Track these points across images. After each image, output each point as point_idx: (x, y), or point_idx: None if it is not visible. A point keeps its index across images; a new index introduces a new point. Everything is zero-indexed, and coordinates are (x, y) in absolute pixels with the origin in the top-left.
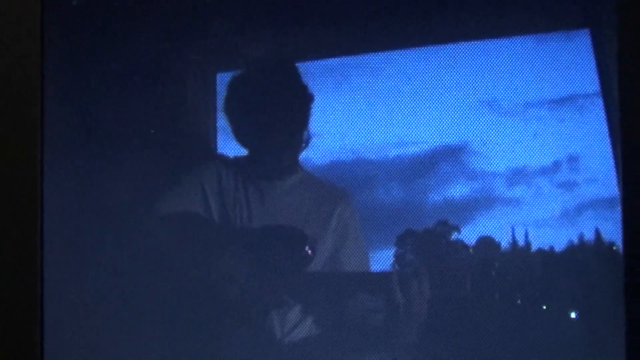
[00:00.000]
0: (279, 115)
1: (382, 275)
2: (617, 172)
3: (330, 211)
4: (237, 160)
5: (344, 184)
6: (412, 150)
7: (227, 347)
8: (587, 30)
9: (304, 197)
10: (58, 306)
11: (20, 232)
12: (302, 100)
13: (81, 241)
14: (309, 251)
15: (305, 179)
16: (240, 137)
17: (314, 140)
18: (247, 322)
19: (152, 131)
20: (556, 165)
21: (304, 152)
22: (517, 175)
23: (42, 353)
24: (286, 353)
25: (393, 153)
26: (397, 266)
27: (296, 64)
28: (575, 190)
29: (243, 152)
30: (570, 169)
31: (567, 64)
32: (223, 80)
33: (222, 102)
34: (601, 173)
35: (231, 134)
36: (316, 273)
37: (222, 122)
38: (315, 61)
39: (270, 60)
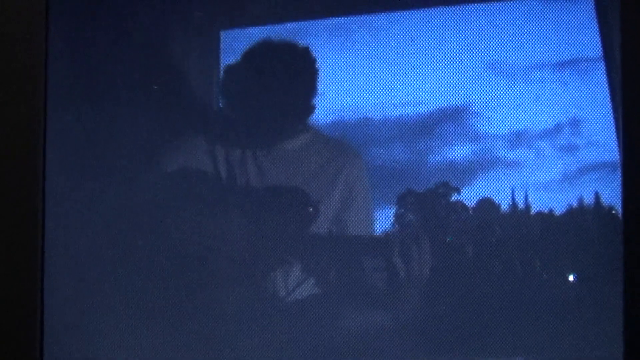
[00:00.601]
0: (288, 78)
1: (383, 240)
2: (618, 136)
3: (338, 171)
4: (241, 121)
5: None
6: (414, 110)
7: (229, 307)
8: None
9: (312, 156)
10: (58, 272)
11: (21, 190)
12: (312, 63)
13: (82, 200)
14: (311, 209)
15: (315, 139)
16: (246, 99)
17: (315, 99)
18: (249, 281)
19: (155, 87)
20: (558, 128)
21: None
22: (518, 138)
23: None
24: (288, 312)
25: (395, 113)
26: (397, 226)
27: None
28: (577, 153)
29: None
30: (571, 132)
31: (571, 26)
32: (227, 38)
33: (229, 64)
34: (603, 137)
35: (237, 96)
36: (318, 234)
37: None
38: (319, 20)
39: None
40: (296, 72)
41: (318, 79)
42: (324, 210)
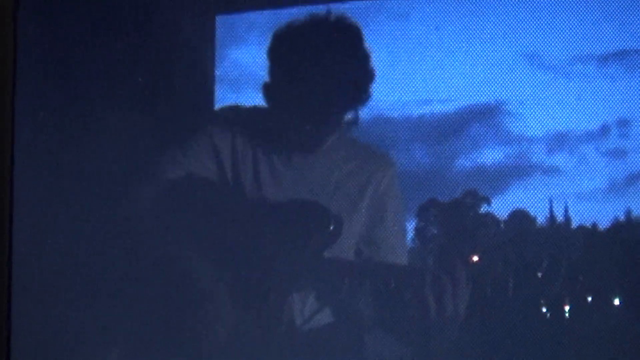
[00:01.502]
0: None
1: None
2: None
3: (366, 181)
4: (255, 118)
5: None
6: (438, 109)
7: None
8: None
9: (337, 163)
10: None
11: None
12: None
13: (62, 210)
14: (332, 228)
15: (341, 141)
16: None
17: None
18: (265, 306)
19: (140, 79)
20: (604, 130)
21: None
22: (558, 141)
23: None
24: (301, 341)
25: (417, 112)
26: (417, 241)
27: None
28: (625, 159)
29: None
30: (619, 134)
31: (618, 14)
32: (222, 23)
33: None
34: None
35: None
36: (339, 256)
37: (221, 70)
38: (334, 3)
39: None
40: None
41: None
42: (350, 227)
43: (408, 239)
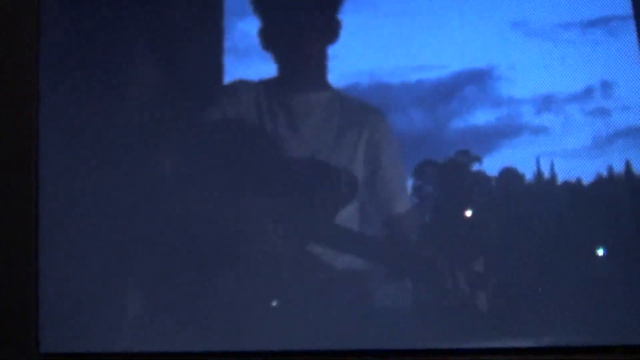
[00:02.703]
0: (302, 19)
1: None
2: None
3: (360, 132)
4: (265, 81)
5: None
6: (433, 74)
7: (244, 291)
8: None
9: (334, 115)
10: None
11: (15, 179)
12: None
13: (83, 183)
14: (346, 190)
15: (336, 96)
16: (269, 44)
17: (330, 62)
18: (277, 261)
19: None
20: (588, 91)
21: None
22: (545, 102)
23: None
24: (310, 291)
25: (413, 77)
26: (415, 198)
27: None
28: (608, 118)
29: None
30: (602, 95)
31: None
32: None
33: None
34: (636, 100)
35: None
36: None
37: (230, 42)
38: None
39: None
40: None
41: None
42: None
43: (410, 200)
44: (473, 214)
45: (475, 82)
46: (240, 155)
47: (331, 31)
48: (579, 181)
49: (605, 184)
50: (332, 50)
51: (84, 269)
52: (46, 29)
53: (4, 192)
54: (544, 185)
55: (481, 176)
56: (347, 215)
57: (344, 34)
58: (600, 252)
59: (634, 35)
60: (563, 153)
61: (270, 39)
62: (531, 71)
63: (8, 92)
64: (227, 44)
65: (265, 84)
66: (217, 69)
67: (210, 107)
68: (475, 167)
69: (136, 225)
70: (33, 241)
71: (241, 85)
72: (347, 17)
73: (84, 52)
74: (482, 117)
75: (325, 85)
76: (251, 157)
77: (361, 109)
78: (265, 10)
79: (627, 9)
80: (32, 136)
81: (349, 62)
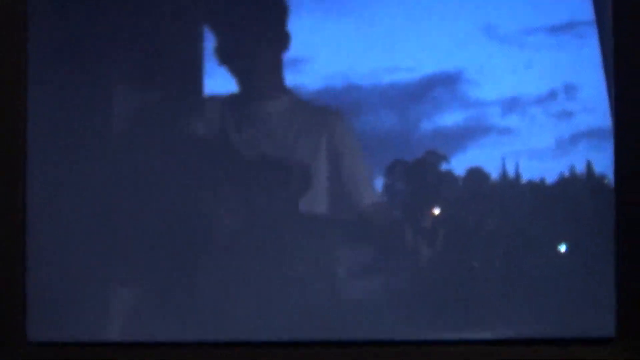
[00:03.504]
0: (257, 32)
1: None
2: (611, 102)
3: (319, 132)
4: (228, 94)
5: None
6: (405, 76)
7: (221, 279)
8: None
9: (293, 121)
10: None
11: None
12: (273, 15)
13: (68, 181)
14: (300, 183)
15: (294, 103)
16: (224, 60)
17: (304, 65)
18: (243, 255)
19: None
20: (552, 94)
21: (293, 77)
22: (511, 104)
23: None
24: (283, 285)
25: (385, 79)
26: (385, 196)
27: None
28: (571, 120)
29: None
30: (566, 98)
31: None
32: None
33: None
34: (598, 102)
35: (216, 57)
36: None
37: (209, 46)
38: None
39: None
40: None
41: (294, 37)
42: (315, 173)
43: (377, 194)
44: (440, 211)
45: (445, 84)
46: (209, 160)
47: (281, 42)
48: (542, 180)
49: (568, 183)
50: (305, 53)
51: (71, 259)
52: (33, 38)
53: None
54: (509, 184)
55: (449, 175)
56: (316, 212)
57: (317, 37)
58: (562, 248)
59: (597, 40)
60: (528, 153)
61: (223, 55)
62: (498, 74)
63: None
64: (206, 47)
65: (228, 97)
66: (197, 74)
67: (182, 119)
68: (444, 166)
69: (120, 219)
70: (20, 231)
71: (207, 100)
72: (320, 21)
73: (71, 58)
74: (450, 118)
75: (282, 93)
76: (218, 162)
77: (319, 113)
78: (215, 27)
79: (590, 14)
80: (20, 135)
81: (322, 64)
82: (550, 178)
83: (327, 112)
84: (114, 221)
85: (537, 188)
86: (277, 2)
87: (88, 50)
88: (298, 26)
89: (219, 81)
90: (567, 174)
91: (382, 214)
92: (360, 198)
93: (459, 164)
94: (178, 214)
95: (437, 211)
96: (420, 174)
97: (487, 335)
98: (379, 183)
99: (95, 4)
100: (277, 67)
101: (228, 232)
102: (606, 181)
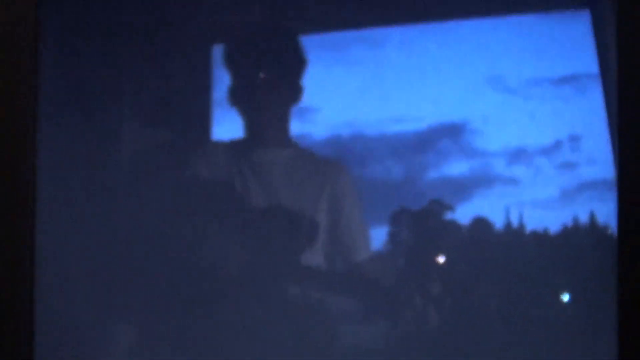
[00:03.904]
0: (268, 83)
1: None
2: (614, 154)
3: (321, 186)
4: (234, 141)
5: (339, 158)
6: (411, 126)
7: (225, 324)
8: (588, 11)
9: (297, 171)
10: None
11: (13, 196)
12: (290, 70)
13: (73, 218)
14: (310, 232)
15: (299, 153)
16: (235, 102)
17: (311, 114)
18: (248, 298)
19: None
20: (557, 145)
21: (300, 126)
22: (516, 155)
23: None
24: (287, 330)
25: (392, 129)
26: (390, 244)
27: (290, 31)
28: (575, 170)
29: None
30: (571, 148)
31: (571, 43)
32: (219, 53)
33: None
34: (603, 153)
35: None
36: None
37: (218, 94)
38: (315, 34)
39: (261, 27)
40: (278, 79)
41: (306, 91)
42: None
43: (381, 243)
44: (445, 260)
45: (450, 134)
46: (212, 208)
47: (293, 94)
48: (546, 230)
49: (571, 233)
50: (312, 102)
51: (78, 298)
52: (44, 77)
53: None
54: (513, 234)
55: (453, 224)
56: (314, 262)
57: (324, 86)
58: (565, 297)
59: (600, 92)
60: (532, 203)
61: (235, 97)
62: (503, 125)
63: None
64: (215, 95)
65: (234, 143)
66: (205, 119)
67: (188, 165)
68: (448, 215)
69: (126, 260)
70: (29, 270)
71: (213, 145)
72: (327, 70)
73: (81, 98)
74: (456, 168)
75: (287, 143)
76: (221, 211)
77: (322, 164)
78: (232, 69)
79: (594, 67)
80: (30, 174)
81: (329, 114)
82: (554, 228)
83: (330, 164)
84: (120, 262)
85: (540, 238)
86: (297, 55)
87: (98, 91)
88: (305, 75)
89: (227, 128)
90: (570, 224)
91: (379, 267)
92: (357, 251)
93: (463, 213)
94: (182, 257)
95: (441, 259)
96: (424, 223)
97: None
98: (384, 231)
99: (109, 45)
100: (285, 118)
101: (231, 278)
102: (609, 232)
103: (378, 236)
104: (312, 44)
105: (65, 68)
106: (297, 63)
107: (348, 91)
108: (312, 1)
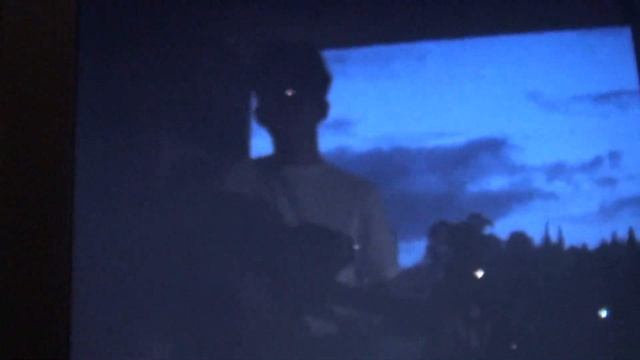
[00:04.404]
0: (294, 101)
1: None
2: None
3: (351, 206)
4: (265, 157)
5: (380, 173)
6: (451, 141)
7: (256, 342)
8: (629, 28)
9: (327, 190)
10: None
11: (51, 214)
12: (316, 86)
13: (109, 233)
14: (349, 251)
15: (328, 171)
16: (263, 121)
17: (352, 127)
18: (278, 318)
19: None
20: (597, 161)
21: (340, 140)
22: (556, 170)
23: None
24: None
25: (431, 143)
26: (428, 258)
27: (314, 49)
28: (615, 187)
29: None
30: (610, 165)
31: (612, 59)
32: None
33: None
34: None
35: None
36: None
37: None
38: (356, 48)
39: (285, 45)
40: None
41: (333, 106)
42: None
43: (420, 256)
44: (483, 274)
45: (490, 149)
46: (245, 224)
47: (320, 111)
48: (584, 246)
49: (610, 249)
50: (353, 116)
51: (113, 317)
52: (83, 92)
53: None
54: (552, 249)
55: (492, 239)
56: (344, 280)
57: (365, 100)
58: (603, 313)
59: None
60: (571, 219)
61: (263, 117)
62: (543, 140)
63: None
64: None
65: (265, 159)
66: (242, 135)
67: (221, 182)
68: (487, 230)
69: (159, 275)
70: (66, 285)
71: (245, 163)
72: (368, 84)
73: (116, 113)
74: (495, 182)
75: (317, 160)
76: (254, 227)
77: (352, 182)
78: (260, 89)
79: (634, 84)
80: (68, 187)
81: (371, 127)
82: (593, 244)
83: (360, 182)
84: (153, 278)
85: (579, 253)
86: (322, 71)
87: (135, 107)
88: (346, 89)
89: (263, 144)
90: (609, 240)
91: (408, 285)
92: (386, 270)
93: (502, 228)
94: (214, 273)
95: (479, 274)
96: (463, 237)
97: None
98: (422, 245)
99: (146, 61)
100: (313, 134)
101: (262, 295)
102: None
103: (417, 250)
104: (353, 58)
105: (102, 84)
106: (322, 79)
107: (388, 105)
108: (354, 15)
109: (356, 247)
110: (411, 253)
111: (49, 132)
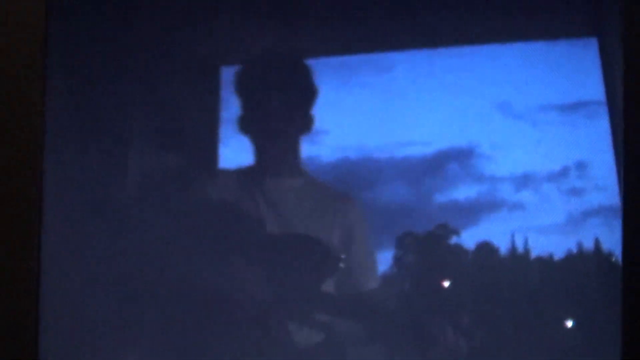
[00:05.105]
0: (279, 113)
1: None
2: (619, 180)
3: (333, 216)
4: (245, 168)
5: (349, 183)
6: (419, 150)
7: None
8: (595, 39)
9: (308, 202)
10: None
11: (20, 227)
12: (302, 99)
13: (81, 243)
14: (341, 264)
15: (309, 183)
16: (246, 130)
17: (320, 137)
18: (261, 328)
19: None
20: (564, 171)
21: (309, 149)
22: (524, 180)
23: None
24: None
25: (400, 153)
26: (395, 268)
27: (302, 61)
28: (582, 197)
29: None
30: (578, 175)
31: (579, 70)
32: (228, 75)
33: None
34: (609, 181)
35: (239, 125)
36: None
37: (227, 113)
38: (325, 58)
39: (274, 56)
40: (289, 108)
41: (316, 117)
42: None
43: (387, 266)
44: (449, 284)
45: (458, 159)
46: (226, 232)
47: (304, 124)
48: (551, 256)
49: (576, 259)
50: (321, 125)
51: (85, 327)
52: (51, 97)
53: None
54: (519, 259)
55: (459, 248)
56: (326, 289)
57: (333, 109)
58: (569, 323)
59: (607, 119)
60: (538, 229)
61: (246, 126)
62: (511, 150)
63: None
64: (224, 115)
65: (245, 170)
66: (213, 142)
67: (198, 191)
68: (454, 239)
69: (134, 285)
70: (34, 294)
71: (223, 172)
72: (336, 94)
73: (86, 121)
74: (463, 192)
75: (298, 172)
76: (236, 237)
77: (332, 195)
78: (243, 97)
79: (601, 94)
80: (36, 197)
81: (339, 137)
82: (559, 254)
83: (341, 195)
84: (127, 289)
85: (546, 263)
86: (309, 85)
87: (106, 114)
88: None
89: (234, 150)
90: (575, 250)
91: (385, 296)
92: (366, 282)
93: (469, 238)
94: (191, 284)
95: (446, 283)
96: (430, 247)
97: None
98: (389, 255)
99: (117, 67)
100: (296, 147)
101: (243, 306)
102: (614, 259)
103: (384, 259)
104: (321, 68)
105: (72, 90)
106: (309, 93)
107: (356, 115)
108: (322, 25)
109: (338, 258)
110: (379, 263)
111: (16, 141)
